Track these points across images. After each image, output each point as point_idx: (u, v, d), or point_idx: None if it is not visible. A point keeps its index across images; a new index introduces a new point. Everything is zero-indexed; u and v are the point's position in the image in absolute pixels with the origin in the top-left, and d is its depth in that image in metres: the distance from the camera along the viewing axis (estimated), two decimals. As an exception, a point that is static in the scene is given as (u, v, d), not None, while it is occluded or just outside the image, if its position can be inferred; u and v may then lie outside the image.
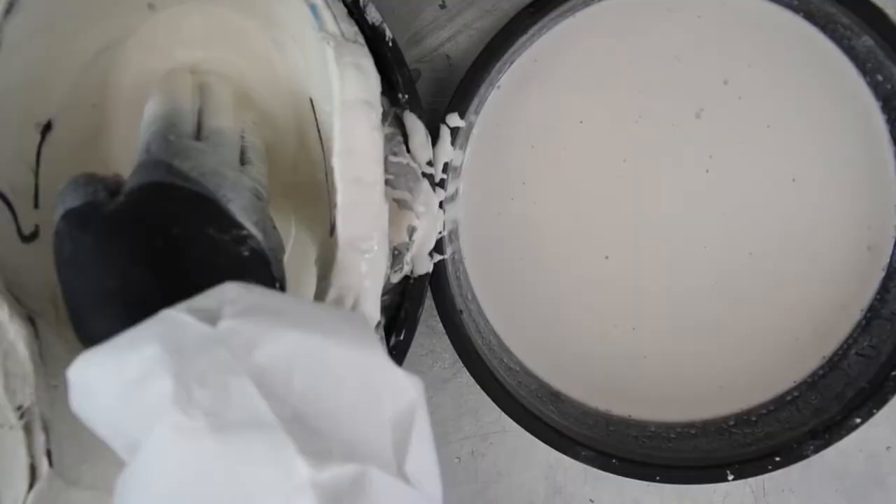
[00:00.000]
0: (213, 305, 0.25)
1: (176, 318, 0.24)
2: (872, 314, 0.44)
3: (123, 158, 0.40)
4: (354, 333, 0.26)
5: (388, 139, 0.37)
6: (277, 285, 0.32)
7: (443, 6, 0.43)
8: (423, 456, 0.25)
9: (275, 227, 0.33)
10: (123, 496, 0.24)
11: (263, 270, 0.31)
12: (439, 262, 0.40)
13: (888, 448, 0.46)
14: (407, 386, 0.26)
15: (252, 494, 0.22)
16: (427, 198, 0.39)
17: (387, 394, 0.25)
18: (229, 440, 0.22)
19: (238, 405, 0.23)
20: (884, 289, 0.43)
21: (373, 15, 0.37)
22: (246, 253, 0.30)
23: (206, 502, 0.22)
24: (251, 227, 0.31)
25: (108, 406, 0.25)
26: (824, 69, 0.42)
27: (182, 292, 0.26)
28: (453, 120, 0.40)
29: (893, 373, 0.41)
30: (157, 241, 0.28)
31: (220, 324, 0.24)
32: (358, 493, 0.22)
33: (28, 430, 0.33)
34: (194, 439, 0.22)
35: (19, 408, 0.33)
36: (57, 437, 0.34)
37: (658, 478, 0.42)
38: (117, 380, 0.24)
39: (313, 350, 0.24)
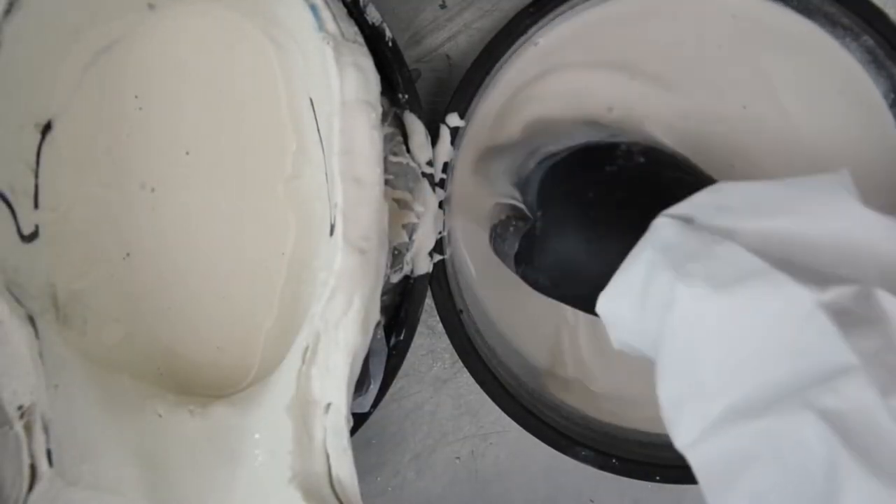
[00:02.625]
0: (684, 211, 0.28)
1: (662, 223, 0.29)
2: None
3: (124, 158, 0.40)
4: (825, 202, 0.27)
5: (387, 139, 0.37)
6: None
7: (443, 6, 0.43)
8: None
9: None
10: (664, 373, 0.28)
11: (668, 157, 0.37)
12: (439, 262, 0.40)
13: (888, 448, 0.46)
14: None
15: (762, 327, 0.24)
16: (427, 198, 0.39)
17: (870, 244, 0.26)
18: (732, 293, 0.25)
19: (729, 264, 0.26)
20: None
21: (373, 15, 0.37)
22: (641, 160, 0.36)
23: (725, 346, 0.25)
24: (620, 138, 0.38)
25: (630, 317, 0.29)
26: (830, 68, 0.42)
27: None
28: (453, 120, 0.40)
29: (893, 373, 0.41)
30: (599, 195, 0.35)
31: (696, 220, 0.28)
32: (865, 304, 0.24)
33: (28, 430, 0.33)
34: (701, 303, 0.26)
35: (20, 408, 0.33)
36: (57, 437, 0.34)
37: (658, 478, 0.42)
38: (630, 291, 0.29)
39: (787, 229, 0.26)
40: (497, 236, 0.40)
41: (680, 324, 0.27)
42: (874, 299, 0.24)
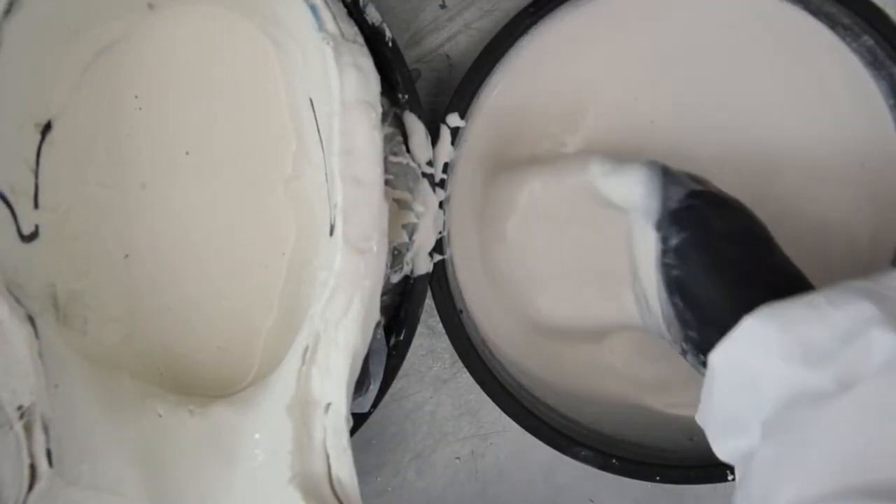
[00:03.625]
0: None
1: (873, 289, 0.28)
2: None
3: (124, 158, 0.40)
4: None
5: (387, 139, 0.37)
6: None
7: (443, 6, 0.43)
8: None
9: None
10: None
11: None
12: (439, 262, 0.40)
13: (888, 448, 0.46)
14: None
15: None
16: (427, 198, 0.39)
17: None
18: None
19: None
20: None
21: (372, 15, 0.37)
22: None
23: None
24: None
25: (806, 352, 0.28)
26: (830, 65, 0.42)
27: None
28: (453, 120, 0.40)
29: (893, 373, 0.41)
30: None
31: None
32: None
33: (28, 430, 0.33)
34: None
35: (19, 408, 0.33)
36: (57, 437, 0.34)
37: (658, 478, 0.42)
38: (822, 330, 0.27)
39: None
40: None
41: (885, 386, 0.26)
42: None
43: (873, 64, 0.41)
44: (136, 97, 0.40)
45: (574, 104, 0.43)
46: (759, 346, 0.28)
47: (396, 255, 0.38)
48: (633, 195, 0.37)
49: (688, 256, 0.34)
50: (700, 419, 0.33)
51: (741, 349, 0.29)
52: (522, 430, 0.42)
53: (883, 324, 0.26)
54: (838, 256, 0.44)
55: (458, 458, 0.47)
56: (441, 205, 0.39)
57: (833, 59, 0.42)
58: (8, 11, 0.34)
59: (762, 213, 0.36)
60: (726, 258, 0.34)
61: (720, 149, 0.43)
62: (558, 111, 0.43)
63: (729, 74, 0.43)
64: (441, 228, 0.40)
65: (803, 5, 0.41)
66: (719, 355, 0.30)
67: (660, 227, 0.35)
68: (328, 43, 0.33)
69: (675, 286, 0.34)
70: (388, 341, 0.38)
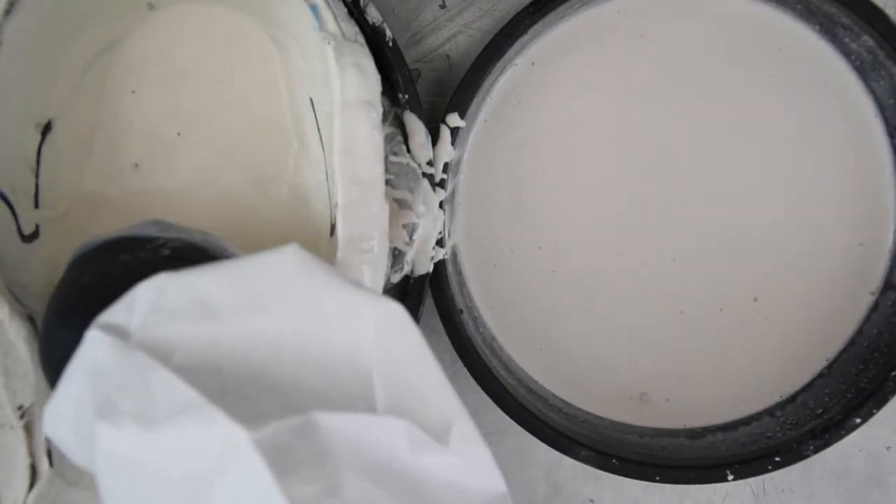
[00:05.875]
0: (121, 319, 0.24)
1: (92, 338, 0.24)
2: (874, 314, 0.44)
3: (123, 158, 0.40)
4: (287, 283, 0.24)
5: (388, 139, 0.37)
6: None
7: (443, 6, 0.43)
8: (404, 383, 0.23)
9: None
10: None
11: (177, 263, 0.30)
12: (439, 262, 0.40)
13: (888, 448, 0.46)
14: (362, 314, 0.23)
15: (200, 475, 0.21)
16: (427, 198, 0.39)
17: (339, 336, 0.23)
18: (161, 432, 0.21)
19: (163, 398, 0.22)
20: (887, 285, 0.44)
21: (373, 15, 0.37)
22: (166, 252, 0.29)
23: (162, 495, 0.22)
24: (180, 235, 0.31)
25: (73, 449, 0.25)
26: (822, 73, 0.42)
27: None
28: (453, 120, 0.40)
29: (893, 373, 0.41)
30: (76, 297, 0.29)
31: (133, 336, 0.23)
32: (307, 439, 0.21)
33: (28, 430, 0.33)
34: (129, 445, 0.22)
35: (20, 408, 0.33)
36: (57, 437, 0.34)
37: (658, 478, 0.42)
38: (65, 419, 0.24)
39: (239, 332, 0.23)
40: None
41: (106, 472, 0.23)
42: (317, 430, 0.21)
43: (872, 64, 0.41)
44: (136, 96, 0.40)
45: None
46: None
47: (396, 255, 0.38)
48: None
49: None
50: None
51: None
52: (522, 430, 0.42)
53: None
54: (827, 254, 0.44)
55: (458, 458, 0.47)
56: (441, 205, 0.39)
57: (825, 67, 0.42)
58: (8, 11, 0.34)
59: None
60: None
61: (719, 150, 0.43)
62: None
63: (729, 80, 0.43)
64: (441, 228, 0.40)
65: (804, 6, 0.41)
66: None
67: None
68: (329, 42, 0.33)
69: None
70: (388, 341, 0.38)
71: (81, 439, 0.24)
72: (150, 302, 0.24)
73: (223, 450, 0.20)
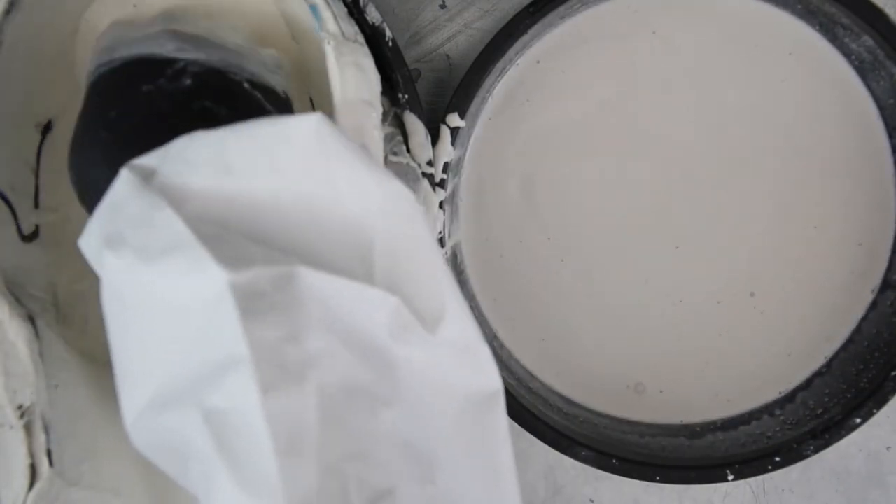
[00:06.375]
0: (153, 162, 0.25)
1: (121, 176, 0.25)
2: (872, 314, 0.44)
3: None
4: (305, 151, 0.24)
5: (387, 139, 0.37)
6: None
7: (443, 6, 0.43)
8: (404, 265, 0.24)
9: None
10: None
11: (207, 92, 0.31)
12: (439, 261, 0.40)
13: (888, 448, 0.46)
14: (372, 191, 0.24)
15: (178, 308, 0.22)
16: (427, 197, 0.39)
17: (347, 208, 0.24)
18: (154, 265, 0.22)
19: (162, 236, 0.23)
20: (886, 284, 0.44)
21: (373, 15, 0.37)
22: (187, 82, 0.31)
23: (148, 326, 0.23)
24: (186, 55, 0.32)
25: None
26: (823, 73, 0.42)
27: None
28: (453, 120, 0.40)
29: (893, 373, 0.41)
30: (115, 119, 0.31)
31: (155, 179, 0.24)
32: (284, 289, 0.21)
33: (28, 430, 0.33)
34: (128, 275, 0.23)
35: (19, 408, 0.33)
36: (57, 437, 0.34)
37: (658, 478, 0.42)
38: (92, 251, 0.25)
39: (252, 192, 0.24)
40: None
41: (107, 298, 0.24)
42: (296, 282, 0.22)
43: (872, 64, 0.41)
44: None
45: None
46: None
47: (396, 255, 0.38)
48: None
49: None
50: None
51: None
52: (522, 430, 0.42)
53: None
54: (826, 254, 0.44)
55: (458, 458, 0.47)
56: (441, 205, 0.39)
57: (828, 66, 0.42)
58: (8, 11, 0.34)
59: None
60: None
61: (718, 150, 0.43)
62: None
63: (730, 80, 0.43)
64: (441, 228, 0.40)
65: (804, 6, 0.41)
66: None
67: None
68: (328, 42, 0.33)
69: None
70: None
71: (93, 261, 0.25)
72: (178, 153, 0.24)
73: (203, 287, 0.21)
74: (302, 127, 0.24)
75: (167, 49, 0.31)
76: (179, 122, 0.29)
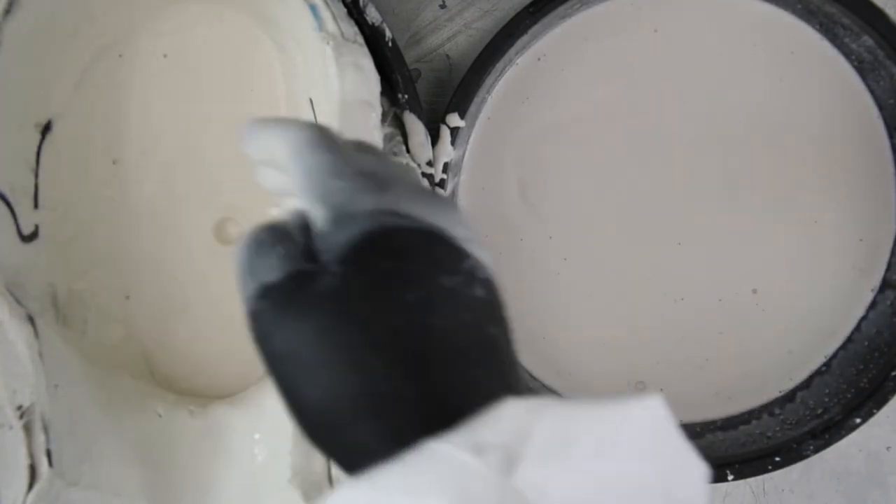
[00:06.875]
0: (498, 441, 0.20)
1: (456, 461, 0.20)
2: (872, 313, 0.44)
3: (123, 158, 0.40)
4: (642, 434, 0.22)
5: (387, 139, 0.37)
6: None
7: (443, 6, 0.43)
8: None
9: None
10: None
11: (499, 310, 0.24)
12: (439, 261, 0.40)
13: (888, 448, 0.46)
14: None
15: None
16: (427, 198, 0.39)
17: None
18: None
19: None
20: (885, 283, 0.44)
21: (373, 15, 0.37)
22: (480, 293, 0.23)
23: None
24: (472, 248, 0.24)
25: None
26: (824, 73, 0.42)
27: (437, 384, 0.22)
28: (453, 120, 0.40)
29: (893, 373, 0.41)
30: (394, 319, 0.22)
31: (518, 474, 0.20)
32: None
33: (28, 430, 0.33)
34: None
35: (19, 408, 0.33)
36: (57, 437, 0.34)
37: (658, 478, 0.42)
38: None
39: (595, 475, 0.21)
40: (256, 238, 0.24)
41: None
42: None
43: (872, 64, 0.41)
44: (135, 96, 0.40)
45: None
46: None
47: (396, 255, 0.38)
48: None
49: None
50: None
51: None
52: (522, 430, 0.42)
53: None
54: (826, 254, 0.44)
55: (458, 458, 0.47)
56: (441, 205, 0.39)
57: (828, 66, 0.42)
58: (8, 11, 0.34)
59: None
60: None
61: (718, 151, 0.43)
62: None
63: (730, 79, 0.43)
64: (441, 228, 0.40)
65: (804, 6, 0.41)
66: None
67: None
68: (328, 43, 0.33)
69: None
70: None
71: None
72: (527, 423, 0.20)
73: None
74: (645, 411, 0.21)
75: (404, 223, 0.23)
76: (467, 345, 0.23)
